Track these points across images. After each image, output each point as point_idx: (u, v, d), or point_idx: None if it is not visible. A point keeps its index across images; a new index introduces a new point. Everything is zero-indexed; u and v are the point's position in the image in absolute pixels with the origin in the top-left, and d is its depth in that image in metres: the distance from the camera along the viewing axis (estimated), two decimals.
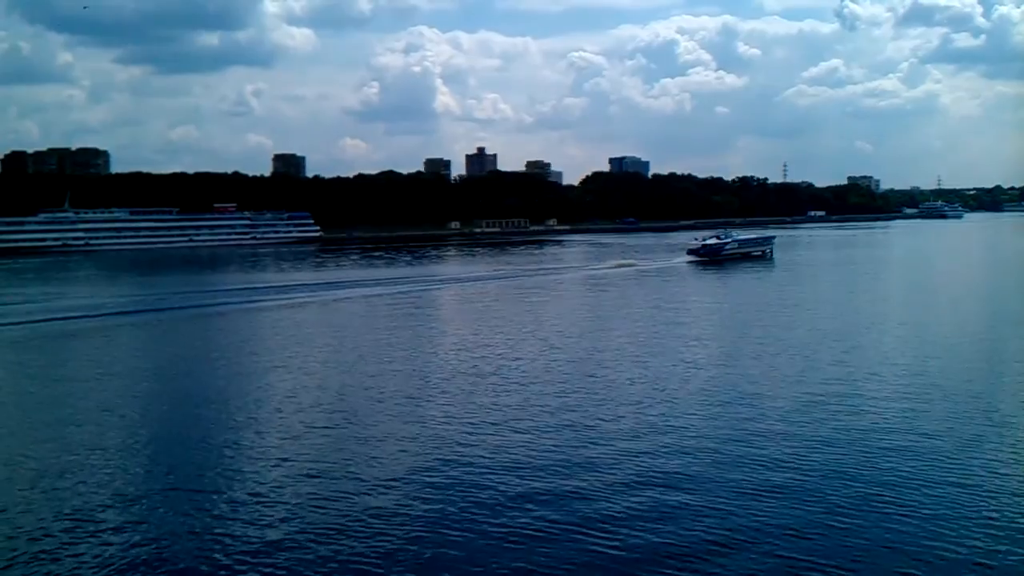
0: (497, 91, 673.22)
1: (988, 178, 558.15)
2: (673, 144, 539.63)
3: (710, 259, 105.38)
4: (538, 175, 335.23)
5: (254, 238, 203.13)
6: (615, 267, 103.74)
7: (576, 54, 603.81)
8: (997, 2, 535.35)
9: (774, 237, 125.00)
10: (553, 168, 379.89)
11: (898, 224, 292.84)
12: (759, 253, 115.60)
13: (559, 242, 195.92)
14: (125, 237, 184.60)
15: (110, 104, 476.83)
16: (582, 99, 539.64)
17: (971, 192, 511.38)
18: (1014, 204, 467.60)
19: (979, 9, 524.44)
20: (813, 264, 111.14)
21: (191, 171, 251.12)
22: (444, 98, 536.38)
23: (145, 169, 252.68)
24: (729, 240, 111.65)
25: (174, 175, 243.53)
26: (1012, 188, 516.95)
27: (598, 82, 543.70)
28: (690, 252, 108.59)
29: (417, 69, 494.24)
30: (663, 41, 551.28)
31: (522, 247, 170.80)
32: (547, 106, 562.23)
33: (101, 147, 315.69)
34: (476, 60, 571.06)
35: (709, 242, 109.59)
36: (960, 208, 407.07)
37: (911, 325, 53.45)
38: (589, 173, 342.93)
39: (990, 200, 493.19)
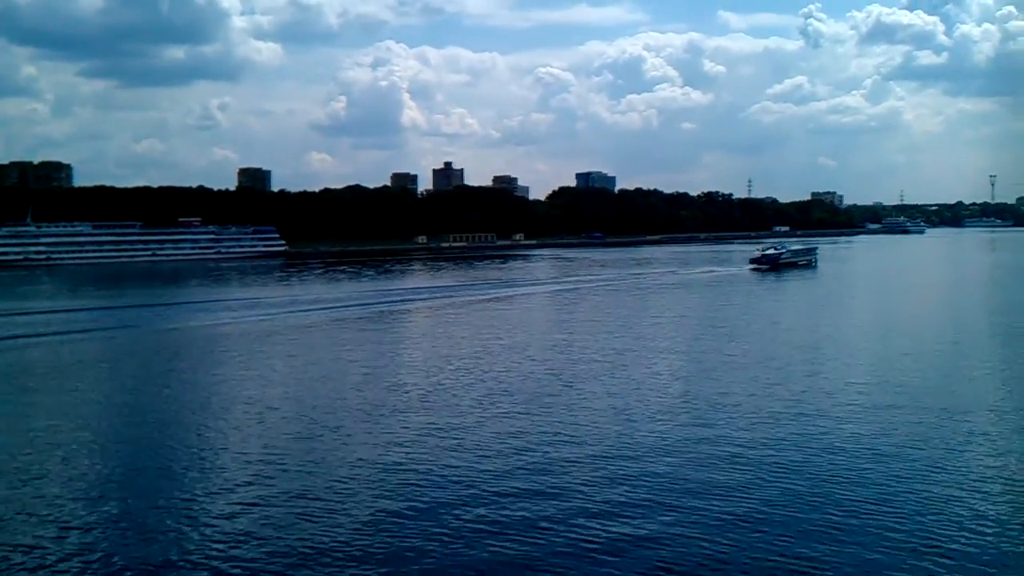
0: (464, 106, 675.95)
1: (950, 194, 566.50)
2: (639, 160, 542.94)
3: (770, 266, 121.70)
4: (505, 190, 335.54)
5: (218, 252, 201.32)
6: (704, 272, 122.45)
7: (543, 70, 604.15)
8: (959, 20, 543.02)
9: (816, 248, 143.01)
10: (520, 183, 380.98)
11: (861, 239, 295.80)
12: (805, 262, 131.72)
13: (526, 256, 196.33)
14: (88, 251, 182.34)
15: (74, 118, 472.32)
16: (549, 115, 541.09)
17: (933, 208, 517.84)
18: (975, 220, 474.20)
19: (941, 27, 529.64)
20: (847, 272, 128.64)
21: (155, 185, 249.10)
22: (411, 113, 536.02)
23: (109, 183, 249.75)
24: (784, 251, 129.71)
25: (138, 189, 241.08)
26: (973, 204, 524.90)
27: (565, 98, 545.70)
28: (752, 261, 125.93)
29: (384, 84, 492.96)
30: (630, 57, 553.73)
31: (499, 261, 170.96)
32: (514, 121, 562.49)
33: (64, 161, 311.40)
34: (443, 75, 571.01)
35: (768, 252, 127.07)
36: (922, 224, 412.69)
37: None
38: (556, 188, 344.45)
39: (952, 216, 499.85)
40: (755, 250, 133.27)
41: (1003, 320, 64.96)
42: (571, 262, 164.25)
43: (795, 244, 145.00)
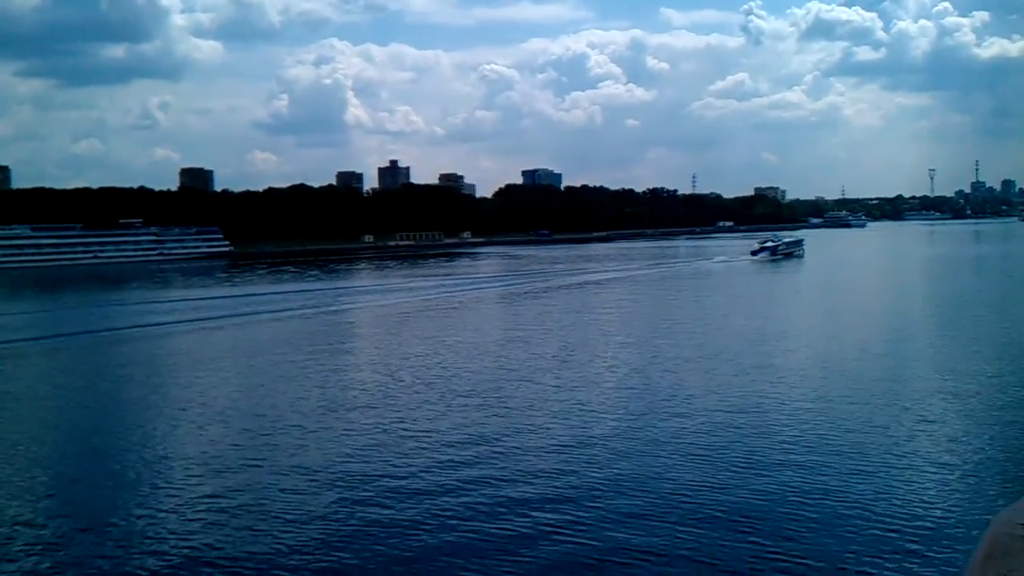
0: (409, 104, 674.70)
1: (890, 188, 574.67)
2: (585, 156, 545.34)
3: (772, 256, 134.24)
4: (451, 188, 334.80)
5: (161, 254, 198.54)
6: (720, 261, 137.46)
7: (487, 67, 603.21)
8: (896, 17, 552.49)
9: (803, 240, 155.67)
10: (466, 181, 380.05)
11: (804, 233, 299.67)
12: (797, 253, 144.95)
13: (474, 254, 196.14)
14: (27, 254, 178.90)
15: (11, 118, 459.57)
16: (494, 112, 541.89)
17: (874, 201, 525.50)
18: (915, 213, 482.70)
19: (879, 23, 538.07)
20: (826, 261, 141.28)
21: (95, 186, 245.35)
22: (356, 111, 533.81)
23: (47, 184, 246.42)
24: (780, 243, 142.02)
25: (78, 190, 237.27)
26: (913, 197, 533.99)
27: (510, 95, 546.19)
28: (753, 253, 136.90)
29: (328, 82, 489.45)
30: (573, 55, 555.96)
31: (468, 258, 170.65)
32: (459, 119, 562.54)
33: (1, 162, 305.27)
34: (388, 73, 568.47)
35: (767, 245, 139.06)
36: (863, 217, 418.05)
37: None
38: (502, 185, 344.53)
39: (892, 209, 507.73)
40: (756, 242, 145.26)
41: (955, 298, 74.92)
42: (520, 259, 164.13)
43: (787, 237, 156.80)
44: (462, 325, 63.99)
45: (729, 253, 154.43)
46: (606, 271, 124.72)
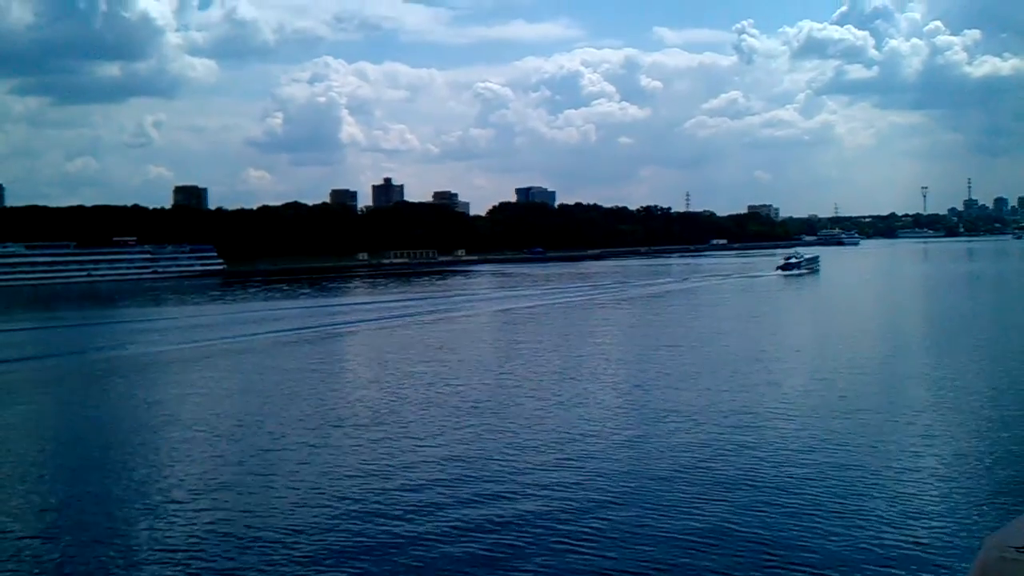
0: (404, 122, 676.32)
1: (883, 205, 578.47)
2: (579, 174, 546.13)
3: (796, 271, 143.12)
4: (445, 206, 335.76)
5: (155, 272, 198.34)
6: (747, 277, 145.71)
7: (482, 85, 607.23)
8: (888, 35, 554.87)
9: (818, 257, 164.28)
10: (460, 199, 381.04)
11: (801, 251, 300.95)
12: (816, 268, 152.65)
13: (468, 272, 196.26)
14: (20, 272, 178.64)
15: (5, 136, 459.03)
16: (488, 130, 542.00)
17: (867, 219, 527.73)
18: (908, 231, 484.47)
19: (871, 42, 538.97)
20: (838, 276, 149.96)
21: (89, 204, 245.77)
22: (350, 129, 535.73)
23: (41, 202, 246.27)
24: (802, 259, 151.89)
25: (71, 208, 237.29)
26: (906, 215, 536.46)
27: (504, 113, 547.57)
28: (778, 268, 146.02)
29: (322, 100, 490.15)
30: (567, 73, 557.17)
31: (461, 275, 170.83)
32: (453, 137, 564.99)
33: None
34: (382, 91, 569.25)
35: (791, 261, 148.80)
36: (856, 235, 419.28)
37: None
38: (496, 203, 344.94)
39: (885, 227, 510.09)
40: (782, 258, 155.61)
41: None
42: (513, 277, 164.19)
43: (807, 254, 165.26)
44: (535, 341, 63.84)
45: (754, 270, 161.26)
46: (659, 285, 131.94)
